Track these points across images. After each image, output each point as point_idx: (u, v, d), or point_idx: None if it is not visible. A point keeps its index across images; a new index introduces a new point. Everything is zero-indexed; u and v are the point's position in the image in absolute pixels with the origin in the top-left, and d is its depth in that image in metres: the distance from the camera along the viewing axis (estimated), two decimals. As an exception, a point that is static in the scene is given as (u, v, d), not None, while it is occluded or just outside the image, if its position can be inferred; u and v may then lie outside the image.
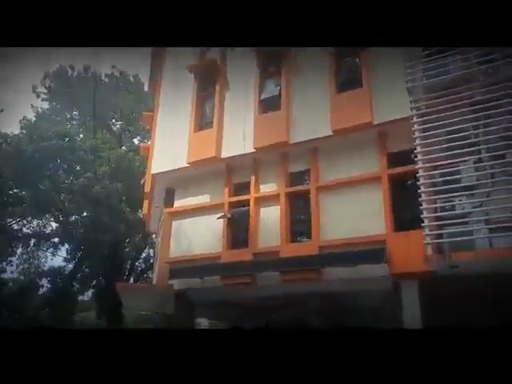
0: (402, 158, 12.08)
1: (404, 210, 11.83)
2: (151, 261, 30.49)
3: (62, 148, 23.28)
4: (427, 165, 10.75)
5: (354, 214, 12.38)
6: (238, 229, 14.50)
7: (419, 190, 10.49)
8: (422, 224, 10.18)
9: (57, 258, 28.78)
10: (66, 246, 27.29)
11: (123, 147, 30.54)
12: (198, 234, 14.91)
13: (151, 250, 31.14)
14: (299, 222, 13.73)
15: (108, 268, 29.17)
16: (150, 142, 18.39)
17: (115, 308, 24.26)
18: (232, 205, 14.72)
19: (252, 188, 14.45)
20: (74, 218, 25.11)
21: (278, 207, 13.71)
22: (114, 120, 33.74)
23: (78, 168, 25.22)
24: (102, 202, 22.81)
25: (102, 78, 32.90)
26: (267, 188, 14.35)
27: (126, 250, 31.85)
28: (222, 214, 14.40)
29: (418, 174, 10.65)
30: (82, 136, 27.99)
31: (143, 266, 33.49)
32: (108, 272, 29.06)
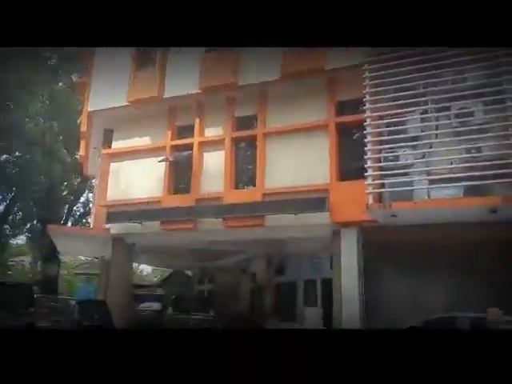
0: (351, 107, 11.88)
1: (349, 159, 11.77)
2: (90, 205, 29.31)
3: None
4: (375, 114, 10.62)
5: (299, 163, 12.19)
6: (180, 173, 13.98)
7: (365, 140, 10.39)
8: (366, 174, 10.15)
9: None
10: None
11: (60, 83, 28.24)
12: (137, 178, 14.21)
13: (90, 195, 29.88)
14: (244, 168, 13.41)
15: (43, 212, 27.70)
16: (86, 78, 16.94)
17: (51, 253, 23.22)
18: (174, 148, 14.06)
19: (196, 131, 13.81)
20: (4, 157, 23.17)
21: (223, 152, 13.24)
22: (48, 53, 30.89)
23: (7, 104, 23.05)
24: (35, 141, 21.16)
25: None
26: (212, 132, 13.77)
27: (64, 193, 30.32)
28: (164, 157, 13.74)
29: (365, 124, 10.51)
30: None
31: (82, 210, 32.17)
32: (44, 216, 27.63)
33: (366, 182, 10.07)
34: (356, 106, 11.51)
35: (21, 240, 31.30)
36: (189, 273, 30.10)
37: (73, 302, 13.22)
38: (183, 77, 13.71)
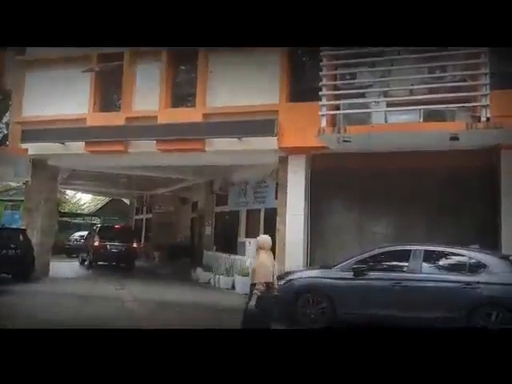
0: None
1: (301, 79, 10.54)
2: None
3: None
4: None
5: (245, 80, 10.78)
6: (109, 88, 12.15)
7: (321, 54, 9.12)
8: (320, 93, 8.99)
9: None
10: None
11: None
12: (58, 92, 12.18)
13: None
14: (183, 84, 11.80)
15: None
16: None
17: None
18: (102, 58, 12.03)
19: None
20: None
21: (159, 64, 11.48)
22: None
23: None
24: None
25: None
26: (147, 40, 11.86)
27: (-17, 112, 26.99)
28: (89, 67, 11.78)
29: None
30: None
31: (5, 132, 29.03)
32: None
33: (319, 103, 8.93)
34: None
35: None
36: (127, 202, 28.71)
37: (-17, 230, 11.64)
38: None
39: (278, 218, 10.71)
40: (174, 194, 21.53)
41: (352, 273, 7.28)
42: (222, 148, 10.82)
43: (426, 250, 7.32)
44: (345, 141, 8.72)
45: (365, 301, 7.11)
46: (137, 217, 26.38)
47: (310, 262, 10.24)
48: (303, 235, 10.25)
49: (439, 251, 7.49)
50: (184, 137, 10.71)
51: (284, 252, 10.20)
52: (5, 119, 30.23)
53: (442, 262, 7.40)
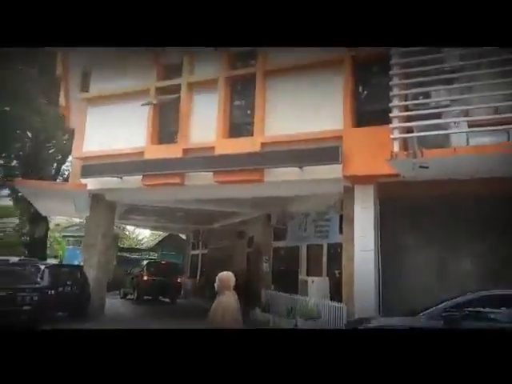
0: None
1: (367, 100, 9.77)
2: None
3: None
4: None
5: (305, 105, 10.18)
6: (166, 120, 11.97)
7: (390, 72, 8.34)
8: (391, 114, 8.15)
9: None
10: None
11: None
12: (117, 126, 12.19)
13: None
14: (240, 113, 11.39)
15: (30, 171, 25.79)
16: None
17: (39, 214, 21.37)
18: (160, 91, 11.99)
19: (185, 70, 11.72)
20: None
21: (216, 95, 11.20)
22: None
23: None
24: (10, 89, 18.97)
25: None
26: (204, 71, 11.67)
27: (51, 151, 28.34)
28: (147, 100, 11.71)
29: (390, 52, 8.43)
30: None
31: (71, 170, 30.22)
32: (29, 175, 25.73)
33: (390, 126, 8.07)
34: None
35: (5, 201, 29.55)
36: (183, 236, 28.57)
37: (42, 267, 11.56)
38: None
39: (344, 255, 9.73)
40: (230, 228, 21.01)
41: (442, 321, 6.11)
42: (281, 178, 10.13)
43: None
44: (421, 167, 7.73)
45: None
46: (193, 252, 26.05)
47: (383, 306, 9.10)
48: (374, 274, 9.15)
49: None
50: (242, 167, 10.17)
51: (352, 294, 9.15)
52: (70, 158, 31.54)
53: None
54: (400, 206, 9.48)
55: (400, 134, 8.08)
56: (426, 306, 6.48)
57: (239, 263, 20.96)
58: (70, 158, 30.53)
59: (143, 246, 38.25)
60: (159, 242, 32.95)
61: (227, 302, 4.41)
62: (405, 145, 8.36)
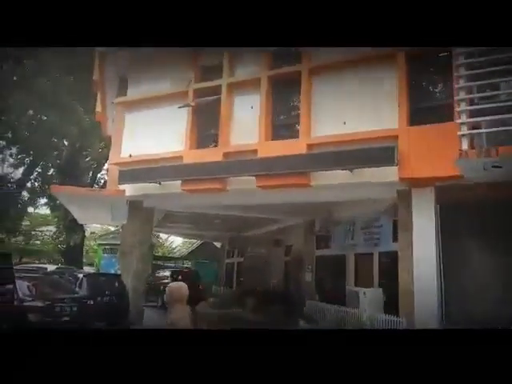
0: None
1: (423, 97, 9.00)
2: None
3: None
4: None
5: (354, 103, 9.51)
6: (206, 123, 11.51)
7: (454, 63, 7.58)
8: (457, 109, 7.38)
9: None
10: (13, 149, 23.46)
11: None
12: (155, 130, 11.82)
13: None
14: (284, 114, 10.81)
15: (66, 179, 26.00)
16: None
17: (75, 222, 21.35)
18: (199, 93, 11.54)
19: (225, 71, 11.26)
20: (15, 116, 21.14)
21: (258, 96, 10.66)
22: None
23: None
24: (47, 97, 19.08)
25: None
26: (245, 71, 11.17)
27: (87, 159, 28.55)
28: (186, 103, 11.29)
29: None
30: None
31: (107, 178, 30.37)
32: (66, 184, 25.94)
33: (458, 121, 7.29)
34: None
35: (42, 209, 29.91)
36: (217, 245, 28.12)
37: (80, 275, 11.25)
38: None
39: (400, 264, 8.94)
40: (267, 236, 20.41)
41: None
42: (329, 182, 9.47)
43: None
44: (494, 166, 6.92)
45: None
46: (228, 260, 25.53)
47: (446, 319, 8.26)
48: (436, 284, 8.34)
49: None
50: (287, 171, 9.57)
51: (412, 306, 8.35)
52: (106, 166, 31.75)
53: None
54: (461, 210, 8.65)
55: (468, 130, 7.27)
56: (495, 318, 5.69)
57: (277, 272, 20.30)
58: (105, 166, 30.84)
59: (176, 255, 38.11)
60: (193, 250, 32.67)
61: (175, 318, 3.91)
62: (471, 143, 7.56)
